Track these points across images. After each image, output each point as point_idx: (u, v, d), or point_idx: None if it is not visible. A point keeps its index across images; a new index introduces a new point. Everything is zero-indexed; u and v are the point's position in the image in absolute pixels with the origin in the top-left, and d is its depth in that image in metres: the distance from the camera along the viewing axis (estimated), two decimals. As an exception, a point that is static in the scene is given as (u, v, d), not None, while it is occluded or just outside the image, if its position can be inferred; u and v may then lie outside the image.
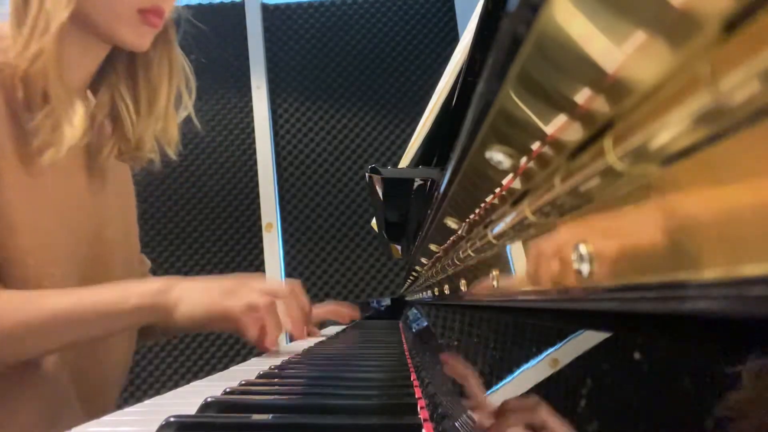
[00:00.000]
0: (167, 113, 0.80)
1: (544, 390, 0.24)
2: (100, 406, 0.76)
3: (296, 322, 0.80)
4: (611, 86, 0.13)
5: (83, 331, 0.65)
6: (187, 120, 0.85)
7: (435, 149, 0.55)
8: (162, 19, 0.74)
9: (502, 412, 0.27)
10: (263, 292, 0.70)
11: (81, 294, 0.65)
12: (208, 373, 0.56)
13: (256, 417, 0.31)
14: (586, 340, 0.22)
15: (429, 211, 0.45)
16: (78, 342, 0.67)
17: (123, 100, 0.75)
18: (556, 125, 0.16)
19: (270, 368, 0.53)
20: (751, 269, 0.09)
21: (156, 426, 0.29)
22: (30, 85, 0.66)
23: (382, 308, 1.49)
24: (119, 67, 0.76)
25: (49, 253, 0.68)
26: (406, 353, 0.63)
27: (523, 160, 0.19)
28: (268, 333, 0.68)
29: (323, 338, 0.90)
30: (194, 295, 0.68)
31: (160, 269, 1.81)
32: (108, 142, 0.76)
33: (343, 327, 1.21)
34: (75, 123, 0.69)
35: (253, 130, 1.87)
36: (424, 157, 0.57)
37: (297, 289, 0.82)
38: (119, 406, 0.54)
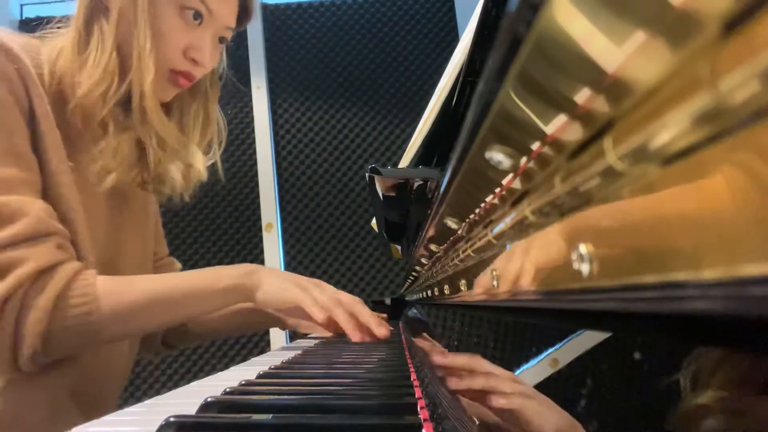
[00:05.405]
0: (195, 157, 0.85)
1: (544, 390, 0.24)
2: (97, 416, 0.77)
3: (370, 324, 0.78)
4: (611, 86, 0.13)
5: (180, 310, 0.71)
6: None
7: (435, 149, 0.55)
8: (191, 82, 0.77)
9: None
10: (332, 297, 0.75)
11: (175, 278, 0.71)
12: (208, 373, 0.56)
13: (256, 417, 0.31)
14: (586, 340, 0.22)
15: (429, 211, 0.45)
16: (174, 320, 0.73)
17: (151, 136, 0.76)
18: (556, 125, 0.16)
19: (270, 368, 0.53)
20: (751, 269, 0.09)
21: (156, 426, 0.29)
22: (87, 114, 0.71)
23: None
24: None
25: (87, 241, 0.72)
26: (406, 353, 0.63)
27: (523, 160, 0.19)
28: (348, 329, 0.73)
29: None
30: (274, 281, 0.74)
31: (160, 269, 1.81)
32: (133, 169, 0.79)
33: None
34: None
35: (253, 130, 1.87)
36: (424, 157, 0.57)
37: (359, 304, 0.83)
38: (119, 406, 0.54)
